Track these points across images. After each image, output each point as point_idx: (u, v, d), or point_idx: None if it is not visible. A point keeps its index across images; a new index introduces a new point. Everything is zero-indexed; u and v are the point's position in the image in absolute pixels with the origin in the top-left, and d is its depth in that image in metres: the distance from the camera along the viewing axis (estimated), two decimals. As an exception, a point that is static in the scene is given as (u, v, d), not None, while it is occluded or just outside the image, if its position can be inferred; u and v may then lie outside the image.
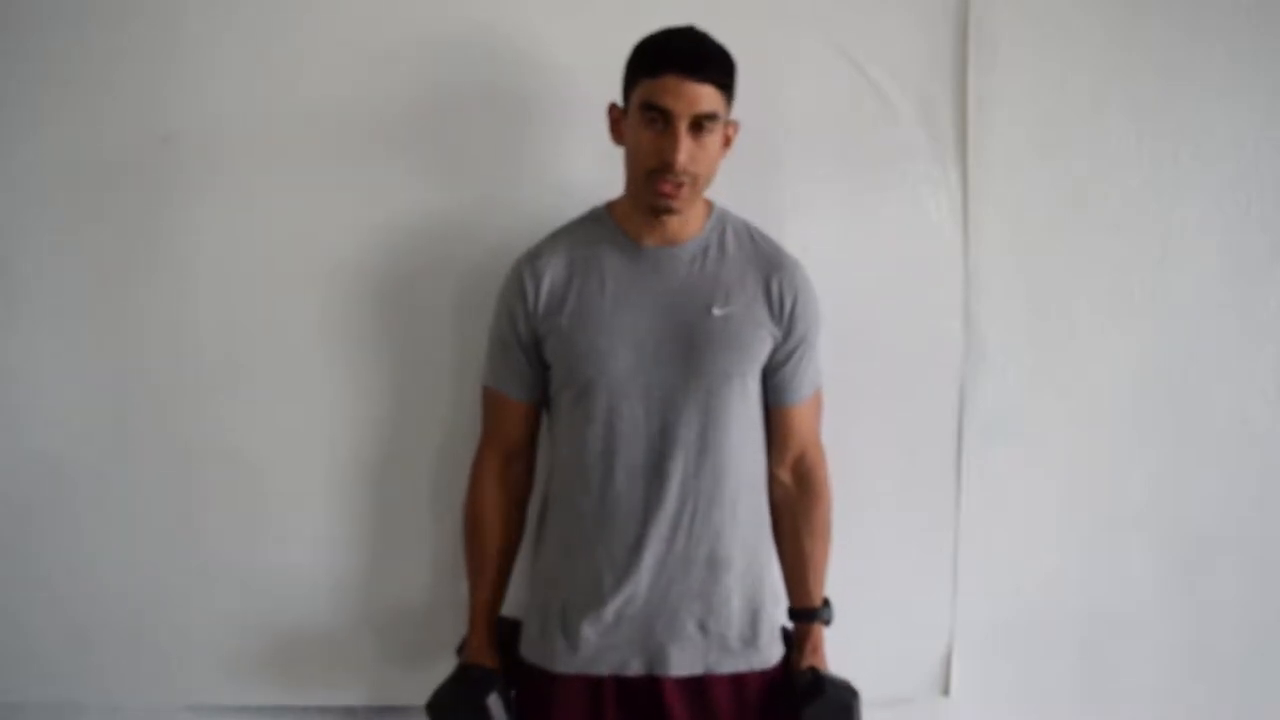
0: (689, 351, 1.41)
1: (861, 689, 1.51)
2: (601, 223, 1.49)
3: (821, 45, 1.68)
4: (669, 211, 1.40)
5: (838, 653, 1.55)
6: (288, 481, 1.68)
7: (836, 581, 1.59)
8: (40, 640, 1.69)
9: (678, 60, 1.33)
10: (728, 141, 1.43)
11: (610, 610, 1.42)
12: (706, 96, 1.33)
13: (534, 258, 1.48)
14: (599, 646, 1.43)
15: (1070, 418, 1.75)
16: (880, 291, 1.70)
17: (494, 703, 1.44)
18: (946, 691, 1.76)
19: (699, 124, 1.34)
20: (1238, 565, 1.79)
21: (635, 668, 1.44)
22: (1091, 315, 1.74)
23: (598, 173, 1.52)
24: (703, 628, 1.44)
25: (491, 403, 1.53)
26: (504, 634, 1.54)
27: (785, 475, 1.54)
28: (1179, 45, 1.72)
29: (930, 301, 1.72)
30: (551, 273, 1.45)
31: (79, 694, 1.71)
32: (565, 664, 1.45)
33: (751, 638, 1.47)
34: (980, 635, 1.75)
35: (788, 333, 1.47)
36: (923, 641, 1.76)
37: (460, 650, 1.55)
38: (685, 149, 1.33)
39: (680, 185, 1.36)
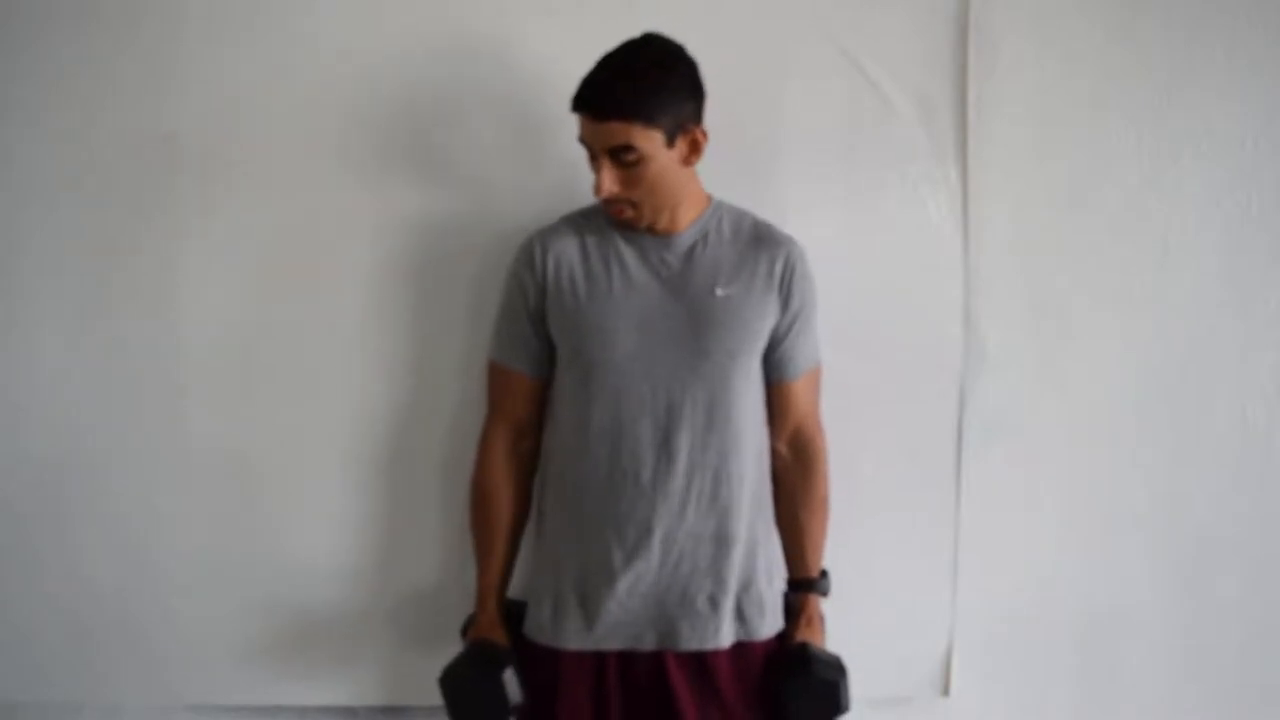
0: (694, 331, 1.44)
1: (861, 688, 1.51)
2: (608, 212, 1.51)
3: (821, 45, 1.68)
4: (634, 229, 1.46)
5: (838, 652, 1.55)
6: (289, 480, 1.68)
7: (837, 581, 1.59)
8: (40, 640, 1.69)
9: (583, 102, 1.39)
10: (695, 147, 1.43)
11: (622, 587, 1.45)
12: (613, 132, 1.37)
13: (545, 234, 1.52)
14: (612, 623, 1.46)
15: (1070, 417, 1.75)
16: (880, 291, 1.70)
17: (509, 678, 1.45)
18: (946, 691, 1.76)
19: (617, 156, 1.38)
20: (1238, 565, 1.79)
21: (648, 642, 1.47)
22: (1091, 315, 1.74)
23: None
24: (712, 602, 1.46)
25: (498, 378, 1.55)
26: (506, 615, 1.54)
27: (783, 447, 1.56)
28: (1179, 45, 1.72)
29: (930, 301, 1.72)
30: (562, 248, 1.49)
31: (78, 694, 1.71)
32: (578, 641, 1.47)
33: (756, 610, 1.49)
34: (980, 635, 1.75)
35: (785, 307, 1.49)
36: (923, 641, 1.76)
37: (465, 630, 1.55)
38: (607, 180, 1.40)
39: (624, 210, 1.43)
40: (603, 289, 1.46)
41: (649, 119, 1.37)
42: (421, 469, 1.69)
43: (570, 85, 1.39)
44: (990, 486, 1.74)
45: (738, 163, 1.60)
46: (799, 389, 1.54)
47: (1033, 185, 1.72)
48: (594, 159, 1.41)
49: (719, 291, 1.45)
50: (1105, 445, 1.76)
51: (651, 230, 1.47)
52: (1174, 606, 1.79)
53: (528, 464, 1.57)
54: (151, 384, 1.66)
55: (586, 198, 1.54)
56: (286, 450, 1.68)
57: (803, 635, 1.53)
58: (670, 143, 1.40)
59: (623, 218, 1.44)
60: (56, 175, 1.64)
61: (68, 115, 1.63)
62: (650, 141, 1.38)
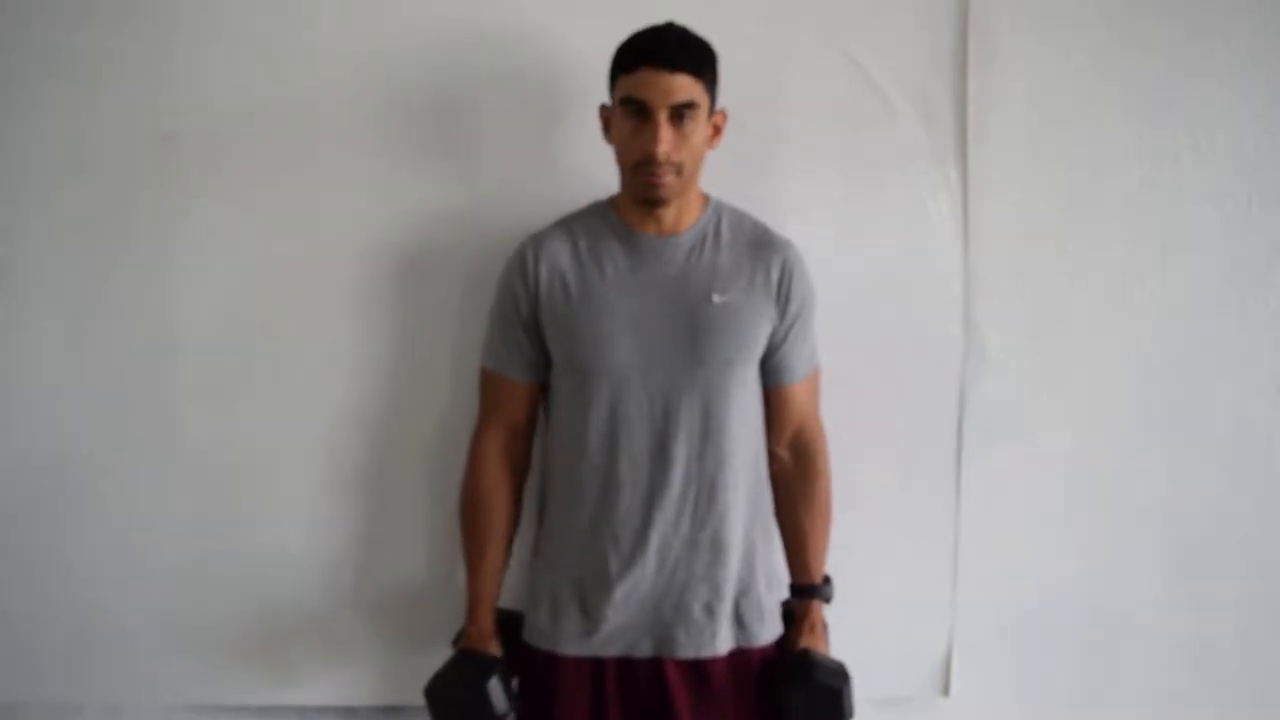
0: (691, 339, 1.43)
1: (862, 689, 1.51)
2: (603, 214, 1.50)
3: (821, 44, 1.68)
4: (659, 202, 1.42)
5: (837, 652, 1.55)
6: (288, 480, 1.68)
7: (837, 581, 1.59)
8: (40, 640, 1.69)
9: (651, 54, 1.36)
10: (717, 131, 1.45)
11: (619, 594, 1.44)
12: (682, 86, 1.35)
13: (538, 240, 1.50)
14: (610, 629, 1.45)
15: (1070, 418, 1.75)
16: (880, 291, 1.70)
17: (494, 687, 1.44)
18: (946, 691, 1.76)
19: (679, 113, 1.36)
20: (1238, 565, 1.79)
21: (644, 649, 1.46)
22: (1091, 315, 1.74)
23: (602, 166, 1.51)
24: (709, 609, 1.46)
25: (491, 384, 1.54)
26: (501, 624, 1.53)
27: (783, 451, 1.55)
28: (1179, 45, 1.72)
29: (930, 301, 1.72)
30: (555, 255, 1.47)
31: (79, 694, 1.71)
32: (576, 647, 1.46)
33: (755, 616, 1.49)
34: (980, 635, 1.75)
35: (783, 312, 1.49)
36: (923, 641, 1.76)
37: (457, 641, 1.55)
38: (666, 139, 1.36)
39: (666, 175, 1.38)
40: (597, 294, 1.44)
41: (709, 81, 1.39)
42: (417, 468, 1.69)
43: (568, 85, 1.39)
44: (990, 486, 1.73)
45: (737, 162, 1.60)
46: (798, 392, 1.53)
47: (1033, 185, 1.72)
48: (642, 117, 1.36)
49: (716, 298, 1.44)
50: (1105, 445, 1.76)
51: (659, 230, 1.46)
52: (1174, 606, 1.79)
53: (520, 467, 1.56)
54: (150, 385, 1.66)
55: (581, 198, 1.55)
56: (285, 451, 1.68)
57: (805, 642, 1.51)
58: (710, 113, 1.41)
59: (663, 183, 1.39)
60: (56, 175, 1.64)
61: (67, 114, 1.63)
62: (703, 105, 1.39)
